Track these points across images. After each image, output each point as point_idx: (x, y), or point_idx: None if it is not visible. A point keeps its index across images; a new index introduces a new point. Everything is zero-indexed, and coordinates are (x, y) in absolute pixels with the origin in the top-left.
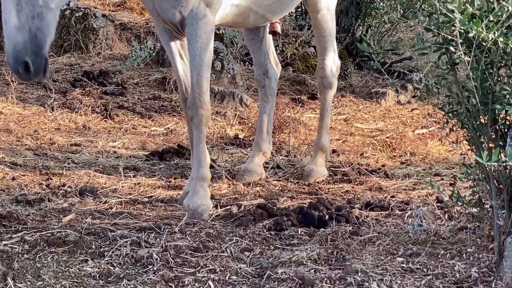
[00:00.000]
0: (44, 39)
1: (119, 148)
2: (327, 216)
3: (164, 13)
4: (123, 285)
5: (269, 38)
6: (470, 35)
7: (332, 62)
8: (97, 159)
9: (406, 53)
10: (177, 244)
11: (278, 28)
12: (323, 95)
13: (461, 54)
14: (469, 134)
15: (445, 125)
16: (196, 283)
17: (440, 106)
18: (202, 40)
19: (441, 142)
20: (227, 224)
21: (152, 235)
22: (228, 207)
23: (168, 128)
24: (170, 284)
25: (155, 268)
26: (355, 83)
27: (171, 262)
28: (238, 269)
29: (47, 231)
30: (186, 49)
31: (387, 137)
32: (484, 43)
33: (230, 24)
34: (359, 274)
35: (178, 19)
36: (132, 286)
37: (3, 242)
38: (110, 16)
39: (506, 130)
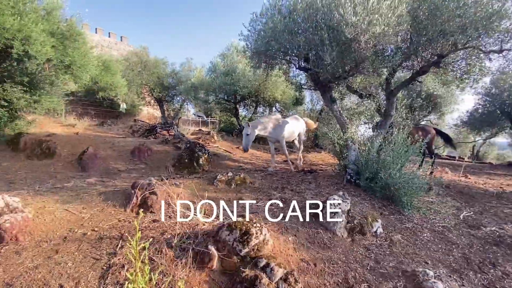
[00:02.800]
0: (249, 144)
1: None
2: (313, 171)
3: (273, 138)
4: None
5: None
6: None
7: (301, 145)
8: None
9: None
10: (270, 174)
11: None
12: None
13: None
14: (338, 158)
15: (334, 156)
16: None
17: (333, 153)
18: (283, 144)
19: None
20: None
21: (259, 172)
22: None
23: (288, 161)
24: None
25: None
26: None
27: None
28: (298, 181)
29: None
30: (278, 146)
31: (322, 159)
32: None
33: (287, 140)
34: (318, 185)
35: (275, 140)
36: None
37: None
38: None
39: (345, 155)
